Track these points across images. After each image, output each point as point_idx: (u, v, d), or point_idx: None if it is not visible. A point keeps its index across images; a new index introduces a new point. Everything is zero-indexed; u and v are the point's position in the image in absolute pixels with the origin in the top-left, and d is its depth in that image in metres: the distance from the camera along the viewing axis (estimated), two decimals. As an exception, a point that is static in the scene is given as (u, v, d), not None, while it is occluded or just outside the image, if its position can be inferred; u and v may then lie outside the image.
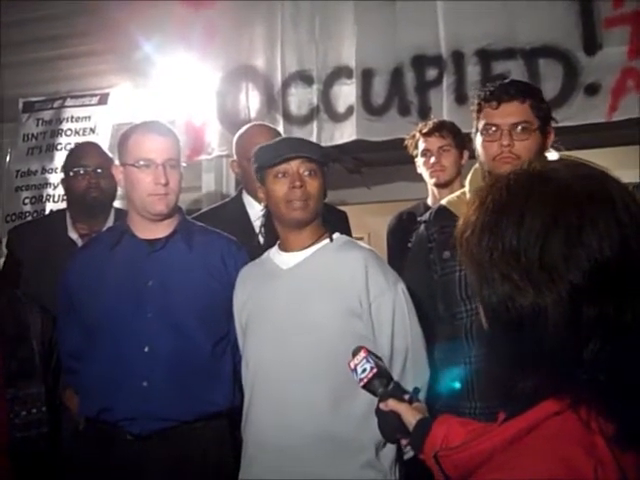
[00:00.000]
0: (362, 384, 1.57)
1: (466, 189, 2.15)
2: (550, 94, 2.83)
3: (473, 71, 3.14)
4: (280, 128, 3.27)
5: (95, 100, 3.82)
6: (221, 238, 2.27)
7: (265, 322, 2.00)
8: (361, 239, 2.43)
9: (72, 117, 3.83)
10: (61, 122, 3.83)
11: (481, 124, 2.00)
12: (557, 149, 1.99)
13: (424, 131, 2.92)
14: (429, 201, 2.99)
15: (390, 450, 1.89)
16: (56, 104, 3.88)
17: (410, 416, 1.48)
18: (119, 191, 2.78)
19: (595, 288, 0.84)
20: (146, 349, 2.08)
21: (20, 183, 3.81)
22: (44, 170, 3.79)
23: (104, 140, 3.57)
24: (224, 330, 2.16)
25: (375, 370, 1.55)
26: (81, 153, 2.93)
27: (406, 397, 1.54)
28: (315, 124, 3.39)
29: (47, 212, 3.62)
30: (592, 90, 2.98)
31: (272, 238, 2.11)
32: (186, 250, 2.19)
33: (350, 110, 3.33)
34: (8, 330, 2.32)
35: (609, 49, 2.97)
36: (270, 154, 1.99)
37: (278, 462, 1.89)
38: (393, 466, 1.91)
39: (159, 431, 2.06)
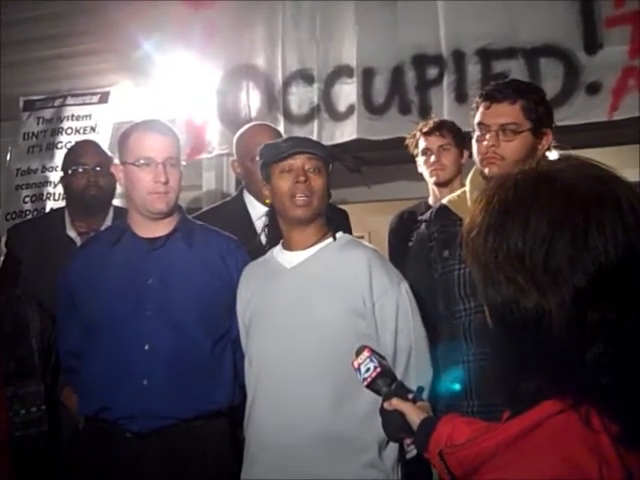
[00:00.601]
0: (366, 383, 1.56)
1: (467, 188, 2.15)
2: (551, 93, 2.81)
3: (474, 70, 3.14)
4: (281, 127, 3.27)
5: (95, 99, 3.82)
6: (221, 237, 2.27)
7: (268, 320, 2.00)
8: (361, 238, 2.43)
9: (72, 116, 3.83)
10: (62, 121, 3.83)
11: (475, 123, 2.02)
12: (562, 148, 1.99)
13: (424, 130, 2.92)
14: (430, 200, 2.99)
15: (392, 450, 1.89)
16: (57, 103, 3.88)
17: (414, 415, 1.47)
18: (118, 189, 2.78)
19: (599, 291, 0.83)
20: (146, 347, 2.08)
21: (20, 181, 3.81)
22: (44, 168, 3.79)
23: (104, 139, 3.57)
24: (224, 328, 2.16)
25: (379, 369, 1.55)
26: (80, 151, 2.93)
27: (410, 396, 1.54)
28: (316, 123, 3.39)
29: (47, 210, 3.61)
30: (593, 89, 2.97)
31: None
32: (186, 249, 2.19)
33: (351, 109, 3.32)
34: (7, 328, 2.31)
35: (610, 48, 2.97)
36: (276, 150, 2.01)
37: (280, 461, 1.89)
38: (395, 466, 1.91)
39: (158, 429, 2.05)
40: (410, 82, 3.24)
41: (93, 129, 3.78)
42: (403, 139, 3.02)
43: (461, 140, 2.88)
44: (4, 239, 2.94)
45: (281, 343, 1.95)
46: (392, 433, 1.59)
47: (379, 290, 1.93)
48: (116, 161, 2.29)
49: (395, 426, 1.54)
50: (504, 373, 0.92)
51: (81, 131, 3.79)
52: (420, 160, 2.96)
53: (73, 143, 3.42)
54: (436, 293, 2.11)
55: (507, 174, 0.95)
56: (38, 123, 3.89)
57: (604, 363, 0.83)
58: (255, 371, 2.00)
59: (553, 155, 2.00)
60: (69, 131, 3.81)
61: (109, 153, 2.93)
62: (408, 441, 1.56)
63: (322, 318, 1.92)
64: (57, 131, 3.83)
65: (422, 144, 2.93)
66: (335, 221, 2.14)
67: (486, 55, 3.12)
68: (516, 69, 3.03)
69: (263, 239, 2.17)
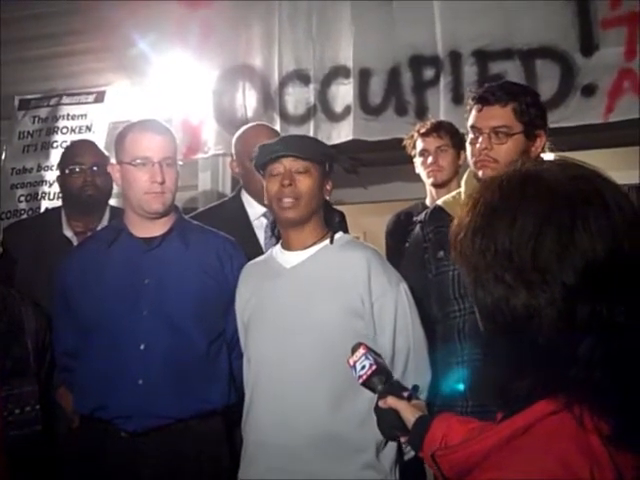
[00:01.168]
0: (361, 381, 1.56)
1: (462, 189, 2.15)
2: (547, 95, 2.83)
3: (470, 71, 3.14)
4: (277, 127, 3.27)
5: (91, 98, 3.81)
6: (217, 237, 2.27)
7: (267, 320, 2.00)
8: (357, 239, 2.43)
9: (68, 115, 3.82)
10: (57, 120, 3.81)
11: (468, 126, 2.02)
12: (558, 150, 1.99)
13: (422, 131, 2.93)
14: (427, 201, 2.99)
15: (391, 450, 1.89)
16: (52, 102, 3.86)
17: (409, 414, 1.47)
18: (115, 189, 2.77)
19: (588, 288, 0.84)
20: (142, 347, 2.08)
21: (15, 181, 3.79)
22: (40, 168, 3.77)
23: (100, 138, 3.56)
24: (220, 328, 2.16)
25: (374, 367, 1.55)
26: (77, 151, 2.93)
27: (405, 394, 1.54)
28: (312, 124, 3.39)
29: (43, 210, 3.60)
30: (589, 91, 2.98)
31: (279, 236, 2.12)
32: (182, 248, 2.19)
33: (347, 110, 3.32)
34: (2, 328, 2.30)
35: (606, 50, 2.97)
36: (265, 152, 2.00)
37: (278, 462, 1.89)
38: (393, 467, 1.90)
39: (154, 428, 2.05)
40: (406, 83, 3.24)
41: (89, 128, 3.77)
42: (400, 140, 3.02)
43: (458, 141, 2.88)
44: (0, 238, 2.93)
45: (280, 343, 1.94)
46: (386, 431, 1.59)
47: (378, 291, 1.93)
48: (112, 161, 2.29)
49: (389, 424, 1.54)
50: (497, 374, 0.93)
51: (77, 130, 3.78)
52: (418, 161, 2.96)
53: (68, 142, 3.42)
54: (430, 294, 2.11)
55: (493, 177, 0.96)
56: (33, 122, 3.87)
57: (595, 359, 0.84)
58: (253, 370, 2.00)
59: (548, 157, 2.00)
60: (64, 130, 3.80)
61: (105, 153, 2.92)
62: (403, 439, 1.56)
63: (321, 318, 1.91)
64: (52, 130, 3.81)
65: (420, 145, 2.93)
66: (335, 221, 2.14)
67: (483, 56, 3.12)
68: (512, 70, 3.04)
69: (261, 239, 2.16)
